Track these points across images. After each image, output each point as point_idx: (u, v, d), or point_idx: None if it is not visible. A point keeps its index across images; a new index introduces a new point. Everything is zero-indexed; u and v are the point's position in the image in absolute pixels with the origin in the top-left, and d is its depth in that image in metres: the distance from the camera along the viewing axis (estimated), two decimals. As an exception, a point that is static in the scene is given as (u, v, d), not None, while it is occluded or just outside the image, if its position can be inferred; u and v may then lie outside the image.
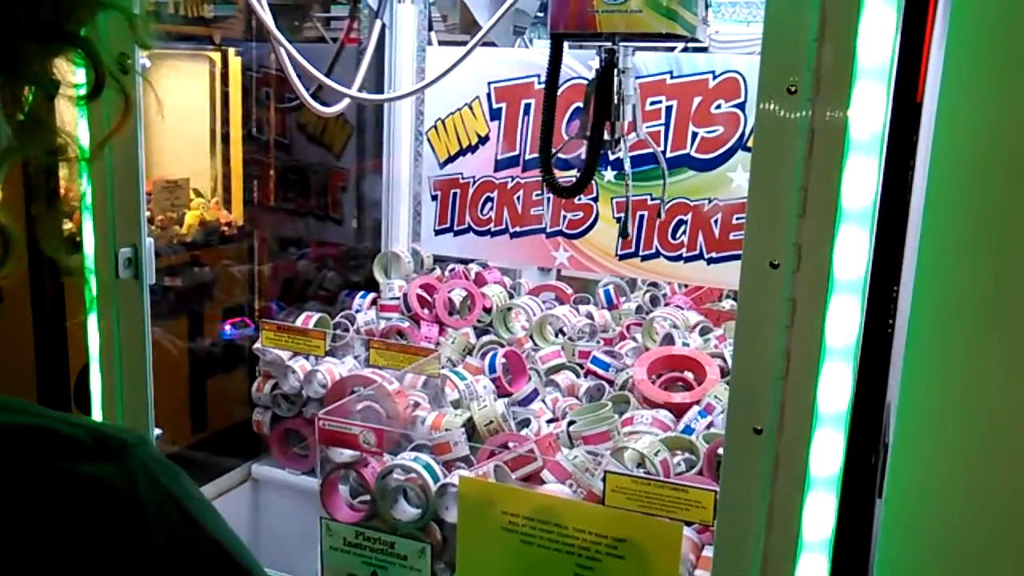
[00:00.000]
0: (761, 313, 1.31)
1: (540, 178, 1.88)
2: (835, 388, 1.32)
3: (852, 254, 1.29)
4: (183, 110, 3.66)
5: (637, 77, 2.50)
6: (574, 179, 2.59)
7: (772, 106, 1.27)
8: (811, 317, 1.29)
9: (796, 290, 1.29)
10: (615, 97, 1.83)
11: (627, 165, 1.96)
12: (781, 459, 1.34)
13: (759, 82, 1.27)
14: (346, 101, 2.25)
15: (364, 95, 2.44)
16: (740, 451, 1.35)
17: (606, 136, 1.83)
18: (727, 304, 2.91)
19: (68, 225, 3.27)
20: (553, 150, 1.89)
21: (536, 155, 2.42)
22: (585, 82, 2.54)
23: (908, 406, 1.24)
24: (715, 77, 2.41)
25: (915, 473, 1.25)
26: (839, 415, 1.33)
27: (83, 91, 0.61)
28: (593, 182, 2.55)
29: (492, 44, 2.87)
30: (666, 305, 2.80)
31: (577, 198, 2.62)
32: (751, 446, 1.34)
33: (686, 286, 2.84)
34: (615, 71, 1.82)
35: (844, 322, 1.30)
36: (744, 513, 1.36)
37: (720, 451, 1.80)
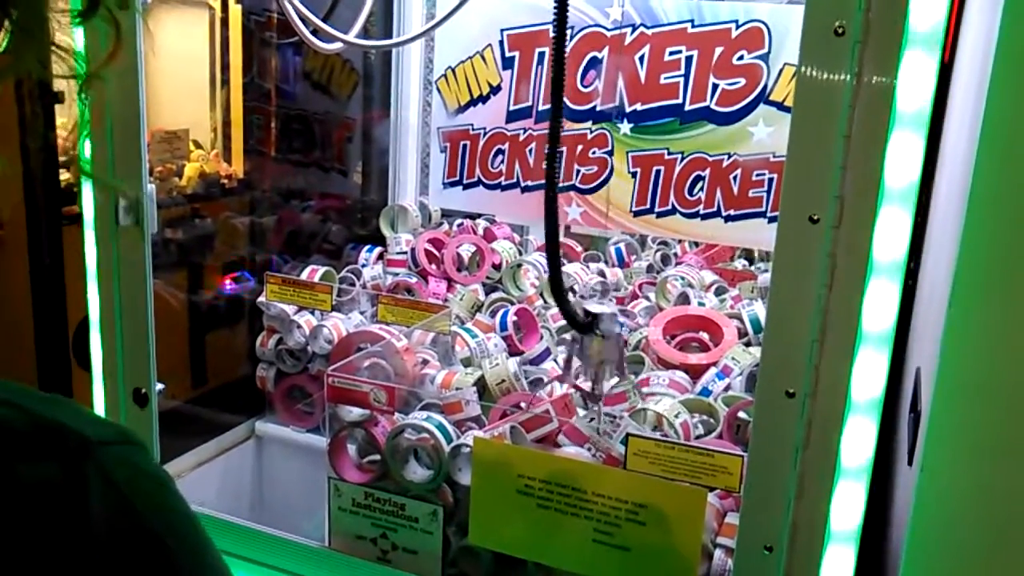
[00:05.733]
0: (798, 271, 1.24)
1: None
2: (873, 362, 1.26)
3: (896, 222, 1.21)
4: (182, 60, 3.56)
5: (656, 25, 2.41)
6: (588, 131, 2.52)
7: (816, 47, 1.19)
8: (852, 276, 1.23)
9: (836, 247, 1.22)
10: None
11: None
12: (814, 424, 1.28)
13: (804, 21, 1.19)
14: (348, 37, 2.14)
15: (362, 41, 2.32)
16: (771, 415, 1.29)
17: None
18: (738, 264, 2.84)
19: (65, 176, 3.19)
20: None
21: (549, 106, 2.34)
22: (601, 30, 2.47)
23: (949, 373, 1.17)
24: (738, 27, 2.31)
25: (956, 441, 1.19)
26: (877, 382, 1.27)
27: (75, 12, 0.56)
28: (608, 134, 2.47)
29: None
30: (677, 264, 2.72)
31: (591, 151, 2.54)
32: (783, 410, 1.28)
33: (697, 244, 2.76)
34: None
35: (883, 300, 1.23)
36: (774, 479, 1.30)
37: (741, 414, 1.74)
